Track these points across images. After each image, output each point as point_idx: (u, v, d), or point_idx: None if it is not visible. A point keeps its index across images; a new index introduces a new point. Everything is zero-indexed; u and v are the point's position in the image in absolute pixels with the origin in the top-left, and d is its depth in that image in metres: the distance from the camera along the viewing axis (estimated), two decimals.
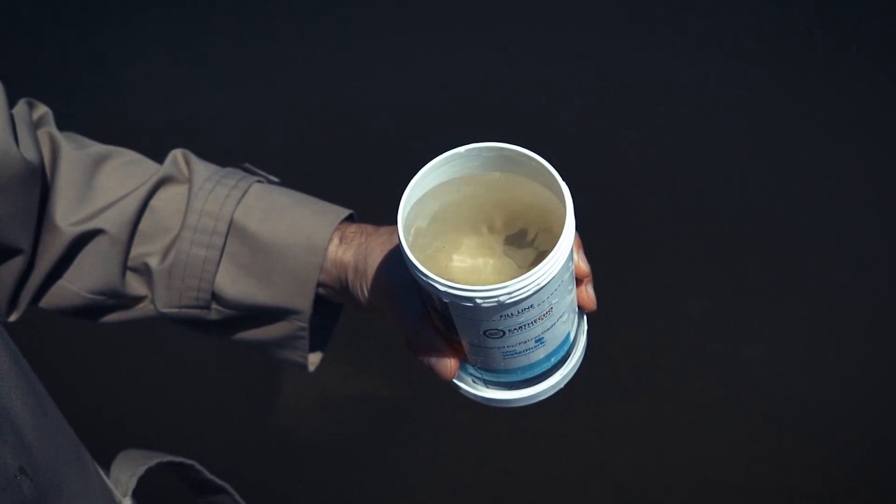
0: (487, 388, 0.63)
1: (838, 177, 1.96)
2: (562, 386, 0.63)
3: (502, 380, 0.61)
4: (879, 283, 1.84)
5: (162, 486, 0.81)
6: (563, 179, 0.54)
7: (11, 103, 0.71)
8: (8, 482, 0.53)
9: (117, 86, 2.24)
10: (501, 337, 0.56)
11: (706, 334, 1.82)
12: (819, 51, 2.13)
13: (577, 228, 0.54)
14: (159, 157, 0.78)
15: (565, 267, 0.54)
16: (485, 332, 0.55)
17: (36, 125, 0.74)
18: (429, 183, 0.56)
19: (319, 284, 0.73)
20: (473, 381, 0.63)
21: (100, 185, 0.74)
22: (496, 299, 0.52)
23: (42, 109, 0.76)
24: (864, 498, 1.64)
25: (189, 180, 0.75)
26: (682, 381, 1.77)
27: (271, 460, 1.76)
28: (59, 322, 0.84)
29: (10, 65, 2.17)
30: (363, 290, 0.68)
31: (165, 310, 0.76)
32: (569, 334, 0.60)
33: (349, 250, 0.71)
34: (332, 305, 0.78)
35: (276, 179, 0.79)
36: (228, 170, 0.77)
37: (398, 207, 0.54)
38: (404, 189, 0.55)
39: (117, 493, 0.75)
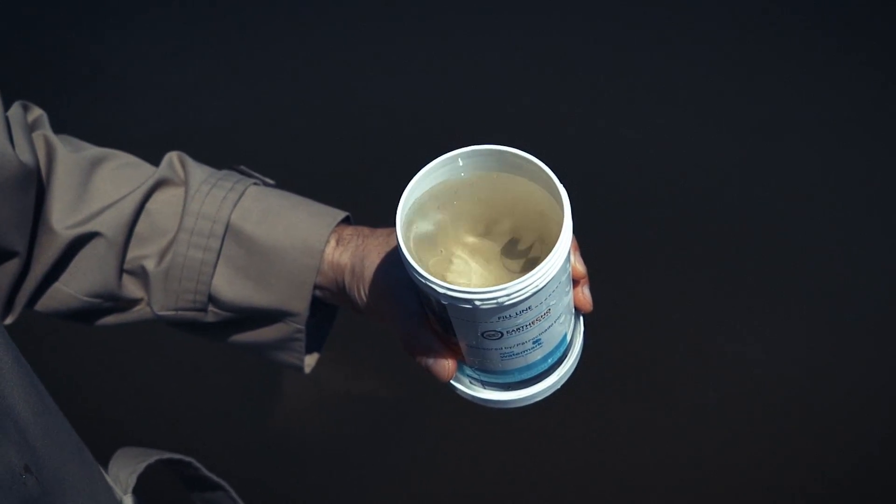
0: (485, 389, 0.63)
1: (838, 177, 1.96)
2: (559, 386, 0.63)
3: (500, 381, 0.61)
4: (879, 283, 1.84)
5: (160, 484, 0.82)
6: (562, 180, 0.54)
7: (6, 106, 0.71)
8: (13, 480, 0.53)
9: (114, 88, 2.24)
10: (499, 338, 0.56)
11: (706, 334, 1.81)
12: (819, 51, 2.13)
13: (576, 229, 0.55)
14: (155, 161, 0.78)
15: (563, 269, 0.54)
16: (483, 334, 0.56)
17: (31, 128, 0.74)
18: (427, 184, 0.56)
19: (316, 286, 0.73)
20: (471, 382, 0.63)
21: (96, 187, 0.74)
22: (495, 301, 0.52)
23: (37, 112, 0.76)
24: (864, 498, 1.64)
25: (185, 183, 0.75)
26: (682, 382, 1.77)
27: (270, 461, 1.76)
28: (57, 323, 0.84)
29: (6, 68, 2.18)
30: (360, 292, 0.68)
31: (162, 312, 0.76)
32: (566, 335, 0.60)
33: (346, 252, 0.71)
34: (328, 307, 0.78)
35: (272, 182, 0.79)
36: (224, 172, 0.77)
37: (397, 208, 0.55)
38: (403, 190, 0.55)
39: (118, 491, 0.75)
